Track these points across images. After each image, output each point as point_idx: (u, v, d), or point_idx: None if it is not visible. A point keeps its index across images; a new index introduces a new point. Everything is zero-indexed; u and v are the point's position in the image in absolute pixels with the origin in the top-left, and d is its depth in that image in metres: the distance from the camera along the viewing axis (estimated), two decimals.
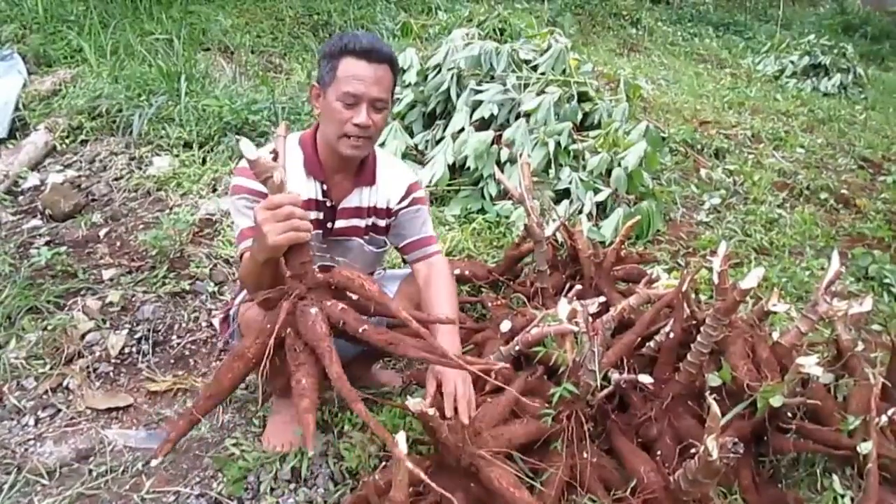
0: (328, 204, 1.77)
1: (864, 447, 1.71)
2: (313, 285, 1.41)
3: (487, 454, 1.50)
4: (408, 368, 2.29)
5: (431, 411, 1.38)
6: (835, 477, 1.88)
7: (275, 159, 1.34)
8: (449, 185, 3.54)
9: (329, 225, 1.80)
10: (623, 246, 2.53)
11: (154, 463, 1.59)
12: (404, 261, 2.04)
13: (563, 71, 3.99)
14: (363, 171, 1.82)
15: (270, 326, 1.39)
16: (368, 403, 2.00)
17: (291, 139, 1.76)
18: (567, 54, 4.06)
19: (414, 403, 1.36)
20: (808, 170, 4.74)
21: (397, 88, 4.05)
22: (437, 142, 3.78)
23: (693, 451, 1.57)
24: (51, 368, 2.17)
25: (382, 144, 3.63)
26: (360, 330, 1.36)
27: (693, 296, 1.99)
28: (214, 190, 3.33)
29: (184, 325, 2.44)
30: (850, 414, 1.83)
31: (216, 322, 2.45)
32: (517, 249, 2.67)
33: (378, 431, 1.28)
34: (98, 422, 2.02)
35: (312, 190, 1.75)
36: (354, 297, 1.44)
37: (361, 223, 1.85)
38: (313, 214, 1.75)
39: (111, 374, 2.22)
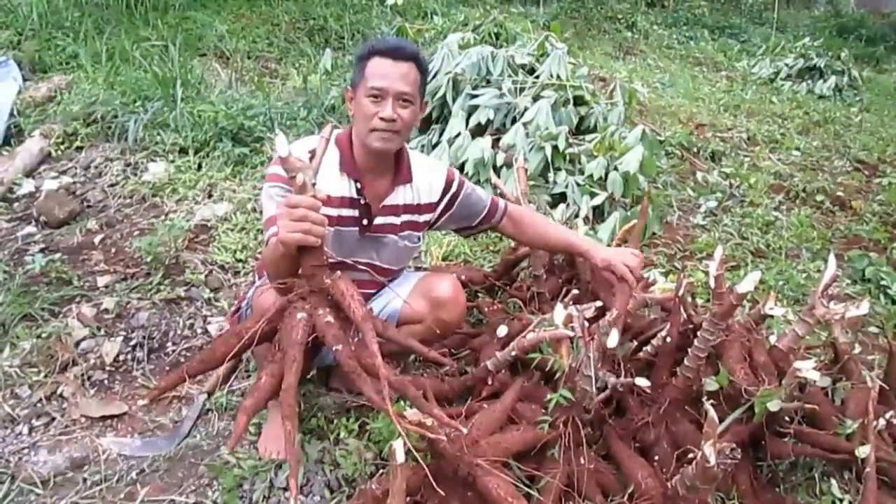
0: (362, 202, 1.81)
1: (862, 451, 1.71)
2: (317, 289, 1.45)
3: (485, 463, 1.50)
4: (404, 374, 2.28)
5: (428, 421, 1.37)
6: (833, 481, 1.88)
7: (311, 159, 1.39)
8: None
9: (365, 222, 1.83)
10: None
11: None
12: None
13: (558, 76, 3.98)
14: (400, 170, 1.86)
15: (266, 315, 1.43)
16: (363, 410, 2.01)
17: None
18: (565, 60, 4.06)
19: (412, 414, 1.36)
20: (803, 172, 4.75)
21: None
22: (434, 146, 3.78)
23: (691, 456, 1.56)
24: (45, 376, 2.16)
25: None
26: (334, 349, 1.39)
27: (690, 299, 1.99)
28: (210, 196, 3.32)
29: (179, 331, 2.43)
30: (848, 417, 1.82)
31: (223, 319, 2.45)
32: (514, 254, 2.66)
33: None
34: (92, 430, 2.01)
35: (347, 188, 1.79)
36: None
37: (397, 220, 1.88)
38: (349, 212, 1.79)
39: (106, 381, 2.21)
